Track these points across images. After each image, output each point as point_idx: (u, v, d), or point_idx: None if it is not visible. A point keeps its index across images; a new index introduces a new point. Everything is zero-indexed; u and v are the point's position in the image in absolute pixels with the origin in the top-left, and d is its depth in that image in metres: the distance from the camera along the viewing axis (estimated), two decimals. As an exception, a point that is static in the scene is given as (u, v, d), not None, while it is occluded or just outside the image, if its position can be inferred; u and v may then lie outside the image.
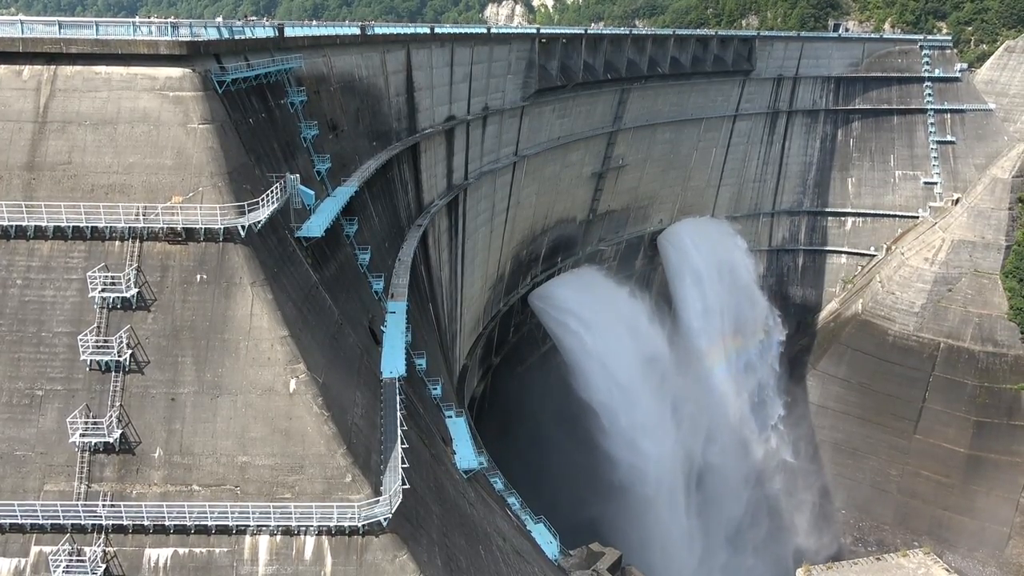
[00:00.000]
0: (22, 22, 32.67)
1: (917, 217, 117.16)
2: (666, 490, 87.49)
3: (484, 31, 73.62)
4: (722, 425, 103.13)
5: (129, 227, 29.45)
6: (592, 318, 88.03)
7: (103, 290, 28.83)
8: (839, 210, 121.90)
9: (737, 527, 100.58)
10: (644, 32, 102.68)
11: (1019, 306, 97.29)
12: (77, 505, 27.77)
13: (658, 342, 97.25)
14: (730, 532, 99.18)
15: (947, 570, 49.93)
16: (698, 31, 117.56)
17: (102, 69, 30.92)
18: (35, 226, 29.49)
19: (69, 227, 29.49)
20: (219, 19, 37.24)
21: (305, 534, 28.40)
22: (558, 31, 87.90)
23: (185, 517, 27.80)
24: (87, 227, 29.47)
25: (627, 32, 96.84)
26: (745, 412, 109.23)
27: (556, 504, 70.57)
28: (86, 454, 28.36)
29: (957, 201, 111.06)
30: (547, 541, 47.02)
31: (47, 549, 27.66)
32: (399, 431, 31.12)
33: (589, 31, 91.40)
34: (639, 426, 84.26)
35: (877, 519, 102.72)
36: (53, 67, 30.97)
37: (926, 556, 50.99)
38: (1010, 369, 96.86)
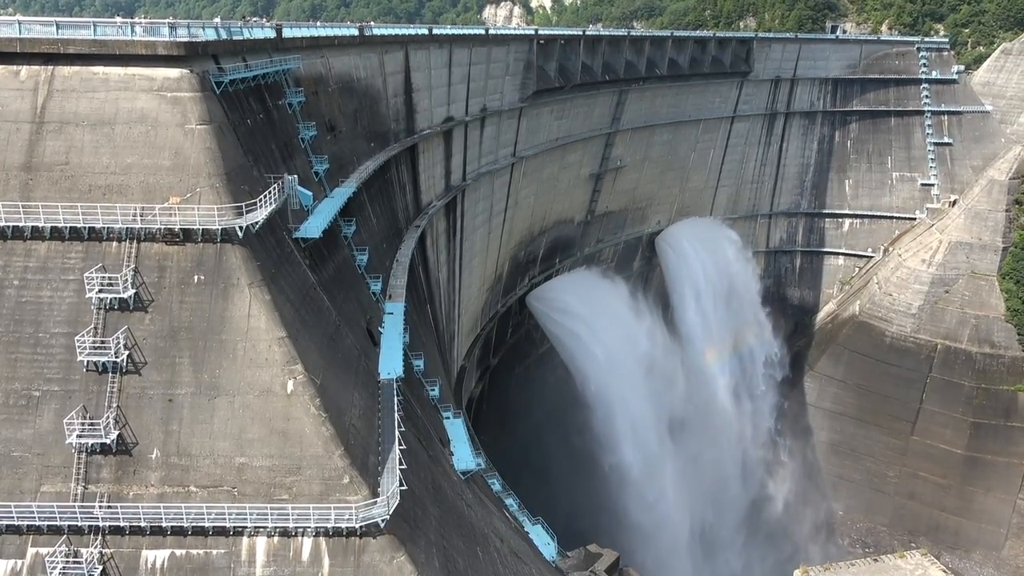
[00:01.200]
0: (20, 22, 32.62)
1: (914, 219, 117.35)
2: (666, 499, 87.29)
3: (482, 32, 73.69)
4: (717, 428, 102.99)
5: (127, 228, 29.41)
6: (592, 318, 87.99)
7: (100, 291, 28.78)
8: (836, 211, 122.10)
9: (734, 527, 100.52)
10: (642, 33, 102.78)
11: (1016, 307, 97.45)
12: (74, 506, 27.72)
13: (655, 342, 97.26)
14: (727, 532, 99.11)
15: (944, 571, 49.96)
16: (696, 32, 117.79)
17: (100, 69, 30.88)
18: (32, 226, 29.44)
19: (66, 228, 29.44)
20: (217, 20, 37.20)
21: (303, 535, 28.37)
22: (556, 32, 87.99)
23: (182, 518, 27.74)
24: (84, 228, 29.42)
25: (625, 33, 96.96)
26: (740, 415, 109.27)
27: (554, 505, 70.52)
28: (83, 455, 28.30)
29: (954, 203, 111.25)
30: (545, 542, 46.98)
31: (44, 551, 27.60)
32: (397, 432, 31.10)
33: (587, 32, 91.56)
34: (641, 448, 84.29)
35: (874, 520, 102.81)
36: (51, 67, 30.93)
37: (923, 557, 51.03)
38: (1007, 370, 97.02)
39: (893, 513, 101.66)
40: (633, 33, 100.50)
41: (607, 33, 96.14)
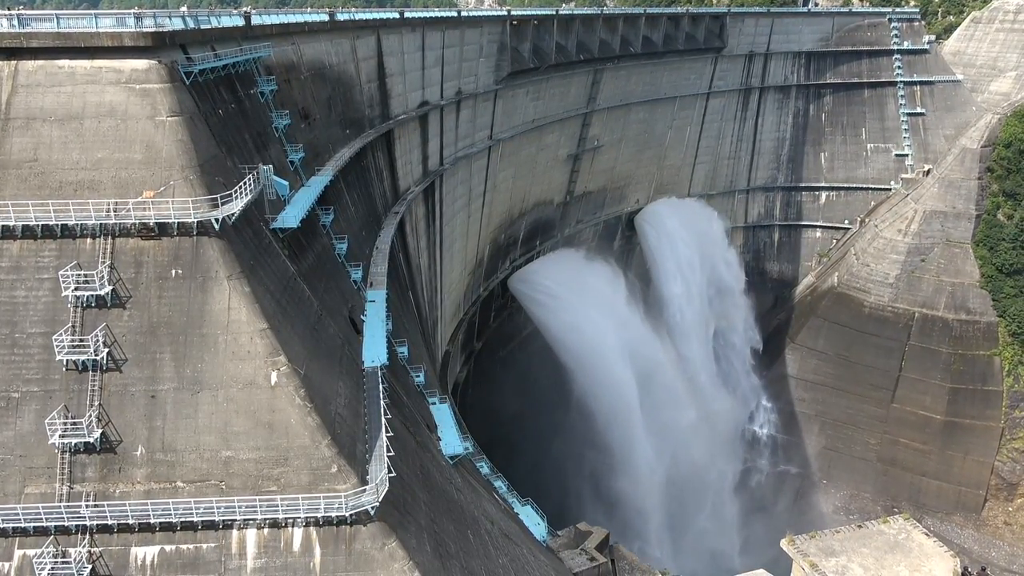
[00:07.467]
0: (-21, 17, 31.78)
1: (890, 189, 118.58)
2: (650, 475, 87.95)
3: (455, 15, 73.00)
4: (698, 402, 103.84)
5: (100, 224, 28.97)
6: (572, 298, 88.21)
7: (76, 289, 28.40)
8: (813, 185, 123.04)
9: (720, 500, 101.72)
10: (615, 12, 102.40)
11: (990, 274, 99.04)
12: (60, 507, 27.50)
13: (637, 318, 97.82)
14: (713, 505, 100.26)
15: (927, 534, 50.97)
16: (669, 9, 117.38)
17: (65, 63, 30.26)
18: (3, 226, 28.89)
19: (38, 226, 28.94)
20: (184, 8, 36.53)
21: (292, 526, 28.37)
22: (529, 13, 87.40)
23: (171, 514, 27.64)
24: (57, 225, 28.94)
25: (598, 12, 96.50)
26: (721, 388, 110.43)
27: (543, 485, 71.03)
28: (66, 455, 28.05)
29: (928, 172, 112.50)
30: (535, 523, 47.38)
31: (31, 552, 27.39)
32: (383, 420, 31.09)
33: (560, 12, 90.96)
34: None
35: (858, 487, 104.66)
36: (14, 62, 30.24)
37: (906, 522, 52.03)
38: (983, 336, 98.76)
39: (875, 480, 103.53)
40: (606, 11, 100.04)
41: (580, 12, 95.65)
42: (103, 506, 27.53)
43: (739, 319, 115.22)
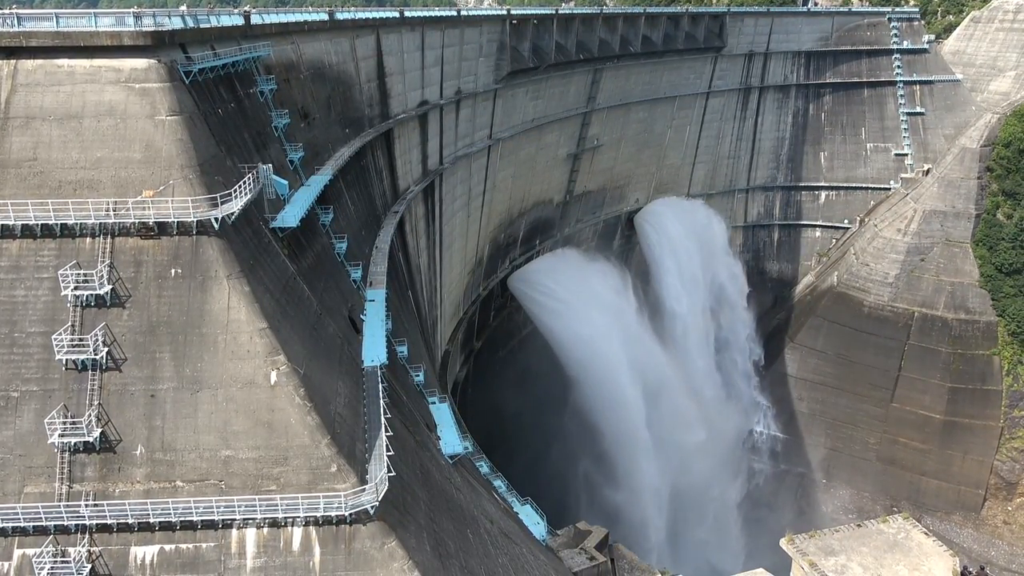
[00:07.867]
0: (-22, 16, 31.77)
1: (889, 189, 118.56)
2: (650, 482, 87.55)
3: (454, 14, 72.90)
4: (698, 402, 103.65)
5: (100, 223, 28.98)
6: (574, 300, 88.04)
7: (76, 288, 28.40)
8: (812, 184, 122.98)
9: (724, 515, 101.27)
10: (615, 11, 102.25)
11: (989, 273, 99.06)
12: (59, 506, 27.50)
13: (636, 318, 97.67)
14: (716, 519, 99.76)
15: (926, 534, 51.06)
16: (668, 8, 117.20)
17: (64, 62, 30.26)
18: (2, 225, 28.90)
19: (38, 225, 28.94)
20: (183, 7, 36.51)
21: (292, 525, 28.37)
22: (529, 12, 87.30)
23: (170, 513, 27.65)
24: (56, 224, 28.95)
25: (598, 11, 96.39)
26: (721, 388, 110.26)
27: (543, 484, 71.00)
28: (66, 454, 28.05)
29: (928, 172, 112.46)
30: (534, 522, 47.39)
31: (30, 552, 27.40)
32: (383, 419, 31.10)
33: (560, 11, 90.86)
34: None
35: (857, 487, 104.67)
36: (13, 61, 30.24)
37: (905, 521, 52.13)
38: (982, 335, 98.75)
39: (875, 479, 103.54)
40: (606, 11, 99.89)
41: (580, 11, 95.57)
42: (102, 505, 27.53)
43: (742, 332, 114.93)
